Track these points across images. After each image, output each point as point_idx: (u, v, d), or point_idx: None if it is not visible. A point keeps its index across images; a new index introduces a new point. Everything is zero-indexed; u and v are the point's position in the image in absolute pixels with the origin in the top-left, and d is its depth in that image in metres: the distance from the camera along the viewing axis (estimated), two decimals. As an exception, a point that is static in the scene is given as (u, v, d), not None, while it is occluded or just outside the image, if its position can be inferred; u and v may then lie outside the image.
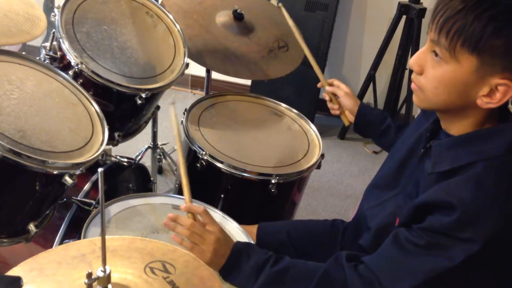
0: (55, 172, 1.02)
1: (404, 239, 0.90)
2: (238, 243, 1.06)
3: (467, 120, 0.91)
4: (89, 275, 0.68)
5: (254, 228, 1.29)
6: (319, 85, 1.51)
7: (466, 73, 0.84)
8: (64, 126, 1.12)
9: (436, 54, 0.87)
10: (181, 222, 1.05)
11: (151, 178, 1.71)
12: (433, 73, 0.88)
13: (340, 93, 1.44)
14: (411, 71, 2.96)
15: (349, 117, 1.44)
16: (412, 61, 0.91)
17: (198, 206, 1.09)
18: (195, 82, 3.31)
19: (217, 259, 1.02)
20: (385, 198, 1.08)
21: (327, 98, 1.48)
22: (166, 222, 1.06)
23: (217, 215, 1.26)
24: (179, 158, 1.22)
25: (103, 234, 0.66)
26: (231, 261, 1.02)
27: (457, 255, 0.83)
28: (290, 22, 1.59)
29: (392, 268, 0.91)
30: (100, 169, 0.62)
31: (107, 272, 0.69)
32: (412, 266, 0.88)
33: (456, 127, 0.93)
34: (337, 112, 1.46)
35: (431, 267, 0.86)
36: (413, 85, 0.94)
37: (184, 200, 1.14)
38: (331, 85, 1.47)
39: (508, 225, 0.82)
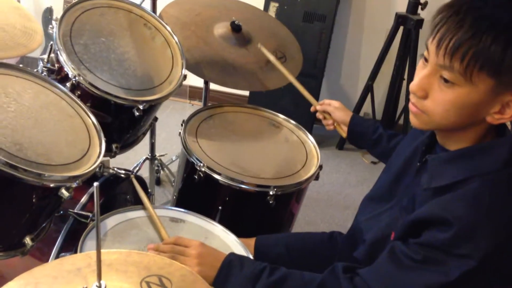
0: (51, 185, 1.01)
1: (401, 253, 0.89)
2: (231, 254, 1.07)
3: (467, 136, 0.90)
4: (84, 291, 0.67)
5: (252, 241, 1.28)
6: (312, 109, 1.53)
7: (481, 94, 0.83)
8: (61, 139, 1.11)
9: (445, 79, 0.84)
10: (162, 249, 1.08)
11: (149, 190, 1.70)
12: (443, 96, 0.86)
13: (330, 109, 1.46)
14: (409, 84, 2.96)
15: (344, 129, 1.45)
16: (415, 87, 0.88)
17: (167, 240, 1.13)
18: (194, 93, 3.31)
19: (206, 272, 1.03)
20: (380, 211, 1.07)
21: (321, 117, 1.50)
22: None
23: (216, 228, 1.25)
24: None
25: (98, 248, 0.66)
26: (223, 272, 1.03)
27: (453, 271, 0.82)
28: (272, 57, 1.64)
29: (388, 282, 0.91)
30: (95, 183, 0.61)
31: (103, 287, 0.68)
32: (408, 281, 0.88)
33: (454, 143, 0.93)
34: (332, 128, 1.48)
35: (427, 282, 0.85)
36: (414, 109, 0.91)
37: (161, 236, 1.16)
38: (321, 105, 1.49)
39: (506, 241, 0.82)
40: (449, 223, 0.82)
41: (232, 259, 1.05)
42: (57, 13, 1.37)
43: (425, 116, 0.90)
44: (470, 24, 0.80)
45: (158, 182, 2.53)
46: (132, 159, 2.32)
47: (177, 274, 0.81)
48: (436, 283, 0.84)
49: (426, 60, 0.88)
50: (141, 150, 2.25)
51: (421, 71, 0.88)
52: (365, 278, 0.94)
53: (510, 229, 0.82)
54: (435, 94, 0.87)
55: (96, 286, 0.68)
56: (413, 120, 0.93)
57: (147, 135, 2.06)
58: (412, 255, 0.87)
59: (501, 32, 0.78)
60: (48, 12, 3.15)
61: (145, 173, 2.30)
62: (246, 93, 3.18)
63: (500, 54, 0.78)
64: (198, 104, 3.33)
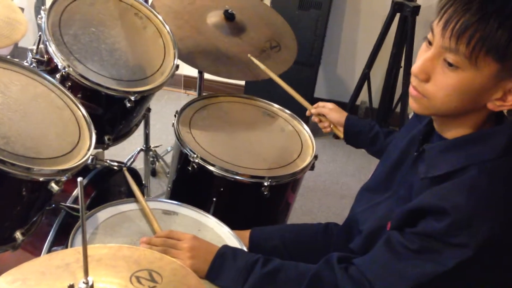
0: (40, 179, 0.99)
1: (397, 242, 0.88)
2: (224, 246, 1.06)
3: (466, 122, 0.89)
4: (71, 287, 0.66)
5: (246, 233, 1.27)
6: (307, 113, 1.53)
7: (484, 79, 0.81)
8: (50, 131, 1.09)
9: (449, 62, 0.82)
10: (154, 243, 1.07)
11: (143, 182, 1.69)
12: (445, 80, 0.84)
13: (325, 111, 1.46)
14: (405, 71, 2.92)
15: (341, 130, 1.44)
16: (417, 69, 0.86)
17: (159, 233, 1.11)
18: (189, 83, 3.28)
19: (199, 265, 1.02)
20: (377, 201, 1.06)
21: (316, 120, 1.50)
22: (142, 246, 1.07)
23: (210, 220, 1.24)
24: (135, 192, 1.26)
25: (84, 244, 0.64)
26: (216, 265, 1.02)
27: (449, 260, 0.81)
28: (263, 66, 1.62)
29: (384, 272, 0.90)
30: (79, 179, 0.60)
31: (90, 283, 0.67)
32: (404, 270, 0.87)
33: (452, 131, 0.91)
34: (328, 130, 1.48)
35: (423, 272, 0.84)
36: (415, 93, 0.89)
37: (154, 229, 1.15)
38: (316, 108, 1.49)
39: (502, 231, 0.81)
40: (445, 212, 0.81)
41: (225, 252, 1.04)
42: (49, 2, 1.35)
43: (426, 100, 0.88)
44: (478, 7, 0.78)
45: (154, 173, 2.51)
46: (127, 150, 2.31)
47: (168, 268, 0.80)
48: (432, 272, 0.83)
49: (430, 43, 0.86)
50: (136, 141, 2.24)
51: (424, 54, 0.86)
52: (360, 267, 0.93)
53: (507, 219, 0.81)
54: (437, 78, 0.85)
55: (83, 282, 0.67)
56: (412, 104, 0.91)
57: (141, 126, 2.04)
58: (408, 244, 0.86)
59: (508, 16, 0.77)
60: (40, 1, 3.11)
61: (140, 164, 2.28)
62: (242, 82, 3.15)
63: (507, 38, 0.77)
64: (193, 94, 3.30)
